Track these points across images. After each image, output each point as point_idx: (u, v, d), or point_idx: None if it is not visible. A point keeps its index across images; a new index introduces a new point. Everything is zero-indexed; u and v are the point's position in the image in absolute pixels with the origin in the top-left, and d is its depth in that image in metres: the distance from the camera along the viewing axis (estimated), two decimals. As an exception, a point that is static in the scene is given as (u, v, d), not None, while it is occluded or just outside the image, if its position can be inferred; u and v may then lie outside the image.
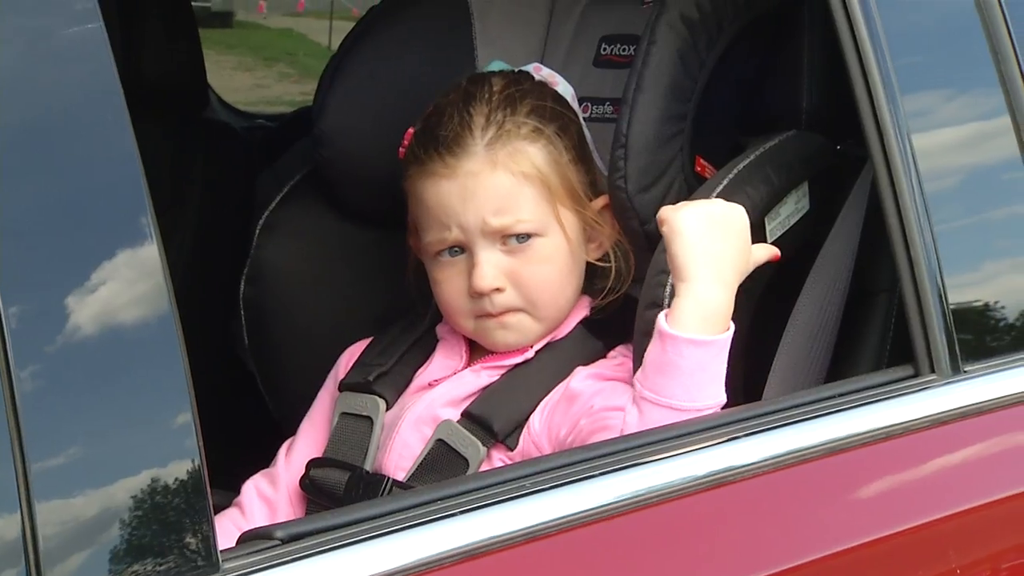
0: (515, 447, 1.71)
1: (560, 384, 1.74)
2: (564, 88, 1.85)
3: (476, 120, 1.75)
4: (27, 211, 1.16)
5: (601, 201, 1.79)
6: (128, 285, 1.19)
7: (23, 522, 1.11)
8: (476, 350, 1.83)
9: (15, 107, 1.16)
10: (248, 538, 1.27)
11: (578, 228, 1.77)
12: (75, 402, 1.16)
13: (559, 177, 1.75)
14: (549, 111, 1.77)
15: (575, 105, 1.85)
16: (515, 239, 1.74)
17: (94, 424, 1.16)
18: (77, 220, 1.19)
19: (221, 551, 1.20)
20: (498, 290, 1.75)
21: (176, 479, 1.18)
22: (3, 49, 1.17)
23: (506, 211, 1.74)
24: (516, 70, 1.86)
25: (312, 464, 1.81)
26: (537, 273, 1.75)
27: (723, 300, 1.59)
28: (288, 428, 1.96)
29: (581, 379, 1.73)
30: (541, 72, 1.86)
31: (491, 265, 1.74)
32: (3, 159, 1.14)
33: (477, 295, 1.74)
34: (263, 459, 1.89)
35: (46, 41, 1.20)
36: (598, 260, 1.80)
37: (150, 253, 1.20)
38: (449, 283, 1.77)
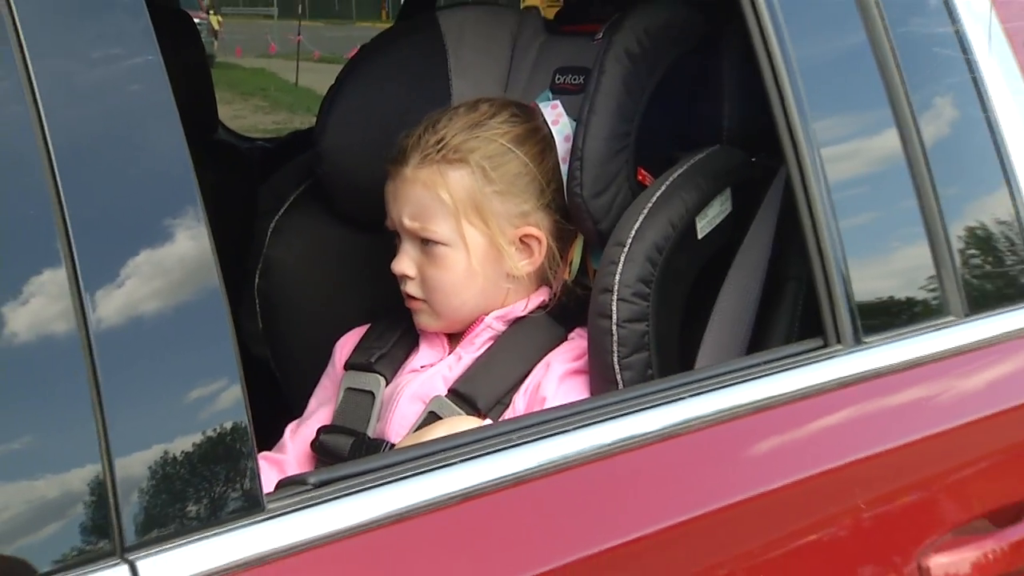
0: (497, 421, 1.72)
1: (534, 370, 1.75)
2: (561, 128, 1.82)
3: (427, 138, 1.77)
4: (107, 205, 1.16)
5: (527, 231, 1.78)
6: (183, 265, 1.20)
7: (104, 468, 1.12)
8: (453, 339, 1.84)
9: (93, 122, 1.17)
10: (285, 484, 1.28)
11: (485, 247, 1.77)
12: (145, 367, 1.16)
13: (472, 202, 1.76)
14: (494, 148, 1.78)
15: (562, 144, 1.81)
16: (426, 242, 1.76)
17: (162, 386, 1.17)
18: (143, 214, 1.19)
19: (266, 494, 1.21)
20: (408, 277, 1.78)
21: (230, 435, 1.19)
22: (82, 75, 1.17)
23: (418, 218, 1.76)
24: (531, 103, 1.86)
25: (322, 430, 1.81)
26: (436, 275, 1.77)
27: None
28: (294, 400, 1.97)
29: (550, 380, 1.74)
30: (556, 109, 1.84)
31: (407, 255, 1.78)
32: (86, 164, 1.15)
33: (395, 276, 1.79)
34: (268, 440, 1.89)
35: (116, 67, 1.20)
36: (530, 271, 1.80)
37: (203, 242, 1.20)
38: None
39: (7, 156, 1.13)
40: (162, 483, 1.14)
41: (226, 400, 1.19)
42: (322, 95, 2.08)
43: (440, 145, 1.77)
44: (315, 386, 1.92)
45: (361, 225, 2.01)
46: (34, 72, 1.13)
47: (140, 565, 1.12)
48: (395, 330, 1.87)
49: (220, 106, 3.14)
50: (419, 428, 1.73)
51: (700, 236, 1.78)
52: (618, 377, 1.69)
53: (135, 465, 1.13)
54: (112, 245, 1.16)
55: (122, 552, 1.12)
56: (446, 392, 1.75)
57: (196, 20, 3.01)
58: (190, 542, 1.14)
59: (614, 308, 1.68)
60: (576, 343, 1.79)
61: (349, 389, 1.83)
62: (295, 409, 1.94)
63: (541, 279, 1.83)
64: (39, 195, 1.12)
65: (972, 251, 1.77)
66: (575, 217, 1.79)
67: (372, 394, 1.81)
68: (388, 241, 1.85)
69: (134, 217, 1.18)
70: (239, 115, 11.36)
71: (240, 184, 2.65)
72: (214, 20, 18.71)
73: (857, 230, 1.65)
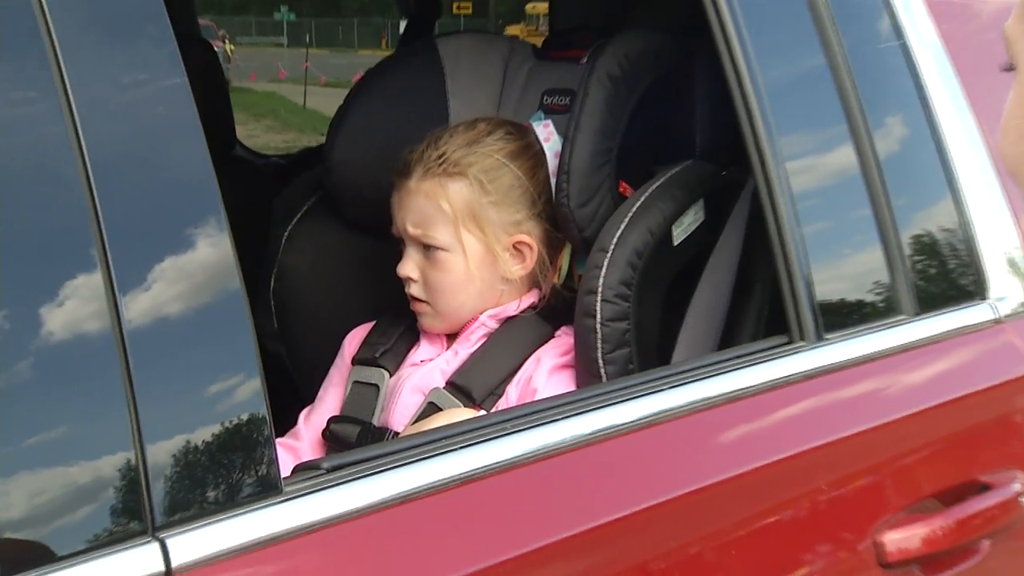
0: (491, 410, 1.72)
1: (524, 364, 1.76)
2: (552, 145, 1.83)
3: (429, 153, 1.78)
4: (139, 215, 1.17)
5: (520, 238, 1.78)
6: (207, 269, 1.20)
7: (136, 455, 1.12)
8: (451, 335, 1.84)
9: (126, 140, 1.18)
10: (300, 468, 1.28)
11: (481, 252, 1.77)
12: (174, 363, 1.17)
13: (470, 211, 1.76)
14: (490, 163, 1.78)
15: (553, 159, 1.81)
16: (428, 248, 1.77)
17: (189, 380, 1.17)
18: (171, 223, 1.20)
19: (283, 478, 1.22)
20: (411, 279, 1.78)
21: (250, 424, 1.19)
22: (116, 97, 1.18)
23: (420, 225, 1.77)
24: (524, 123, 1.87)
25: (332, 420, 1.82)
26: (437, 278, 1.78)
27: None
28: (306, 391, 1.97)
29: (540, 373, 1.74)
30: (548, 128, 1.85)
31: (410, 259, 1.79)
32: (119, 178, 1.16)
33: (400, 278, 1.79)
34: (281, 428, 1.88)
35: (146, 90, 1.21)
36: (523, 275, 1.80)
37: (225, 248, 1.21)
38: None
39: (48, 171, 1.14)
40: (190, 468, 1.15)
41: (246, 392, 1.20)
42: (328, 116, 2.09)
43: (441, 159, 1.78)
44: (325, 378, 1.92)
45: (367, 232, 2.01)
46: (73, 95, 1.14)
47: (170, 543, 1.12)
48: (398, 327, 1.88)
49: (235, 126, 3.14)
50: (419, 417, 1.74)
51: (676, 243, 1.78)
52: (602, 371, 1.69)
53: (165, 452, 1.14)
54: (143, 251, 1.16)
55: (153, 531, 1.12)
56: (444, 384, 1.76)
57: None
58: (216, 522, 1.15)
59: (598, 308, 1.69)
60: (563, 340, 1.80)
61: (356, 382, 1.84)
62: (306, 400, 1.94)
63: (532, 282, 1.84)
64: (77, 206, 1.13)
65: (921, 256, 1.78)
66: (563, 225, 1.80)
67: (377, 387, 1.82)
68: (393, 247, 1.86)
69: (163, 226, 1.19)
70: (252, 134, 11.34)
71: (257, 196, 2.64)
72: (228, 48, 18.71)
73: (818, 236, 1.65)
